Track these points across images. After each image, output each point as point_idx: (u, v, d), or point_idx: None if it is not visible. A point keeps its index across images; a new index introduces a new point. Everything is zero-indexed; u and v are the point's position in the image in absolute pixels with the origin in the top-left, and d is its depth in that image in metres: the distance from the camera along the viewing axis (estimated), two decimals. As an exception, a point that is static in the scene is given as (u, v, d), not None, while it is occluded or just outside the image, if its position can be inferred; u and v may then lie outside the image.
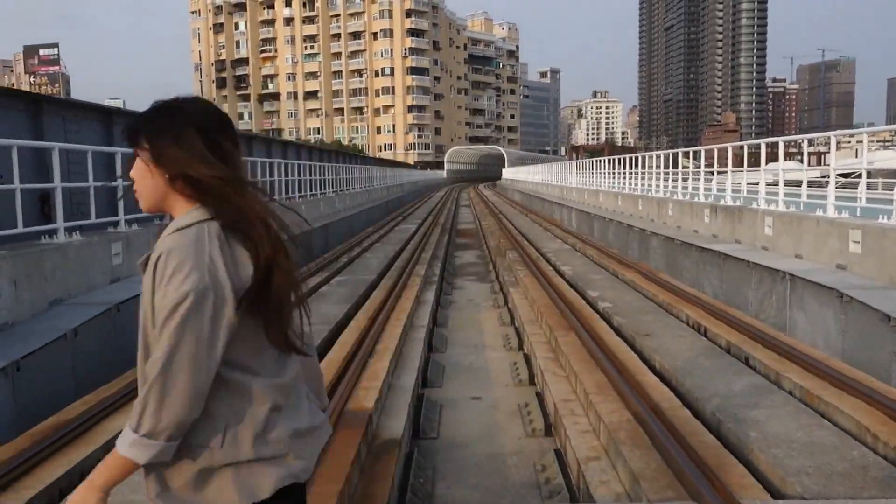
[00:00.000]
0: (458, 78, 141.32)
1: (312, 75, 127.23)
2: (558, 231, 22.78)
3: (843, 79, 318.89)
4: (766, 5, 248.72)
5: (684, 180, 17.61)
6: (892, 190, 9.66)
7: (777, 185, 12.41)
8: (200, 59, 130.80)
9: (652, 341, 7.34)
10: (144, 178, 1.60)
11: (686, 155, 19.68)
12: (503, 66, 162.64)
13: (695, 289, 11.46)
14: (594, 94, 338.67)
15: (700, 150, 18.30)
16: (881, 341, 6.98)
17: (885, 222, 8.25)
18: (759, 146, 13.06)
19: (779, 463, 4.23)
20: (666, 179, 18.60)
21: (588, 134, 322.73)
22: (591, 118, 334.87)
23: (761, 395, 5.52)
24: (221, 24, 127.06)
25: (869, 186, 11.66)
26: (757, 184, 12.86)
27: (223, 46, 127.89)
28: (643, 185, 21.20)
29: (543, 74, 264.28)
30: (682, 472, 4.10)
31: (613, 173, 25.00)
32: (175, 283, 1.46)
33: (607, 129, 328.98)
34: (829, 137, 11.41)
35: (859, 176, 10.52)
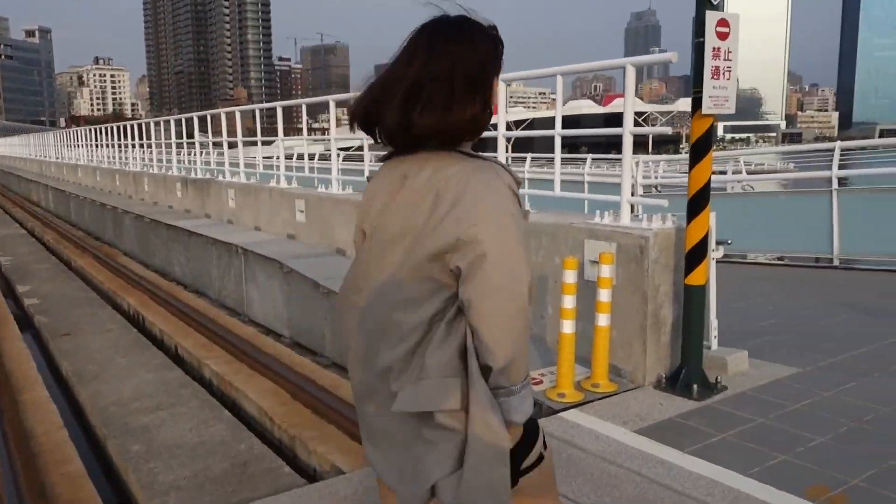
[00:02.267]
0: None
1: None
2: (20, 213, 19.45)
3: (339, 62, 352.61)
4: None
5: (164, 152, 16.46)
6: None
7: (292, 159, 12.23)
8: None
9: (70, 342, 6.20)
10: None
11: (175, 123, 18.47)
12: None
13: (168, 269, 10.59)
14: (97, 61, 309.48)
15: (192, 118, 17.32)
16: (315, 308, 7.07)
17: (322, 191, 8.50)
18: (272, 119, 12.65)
19: (154, 480, 3.59)
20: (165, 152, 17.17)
21: (93, 104, 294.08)
22: (96, 87, 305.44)
23: (173, 394, 4.89)
24: None
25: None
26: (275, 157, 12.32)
27: None
28: (122, 158, 19.35)
29: (30, 33, 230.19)
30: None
31: (97, 145, 22.41)
32: None
33: (115, 99, 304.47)
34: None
35: (359, 149, 10.62)
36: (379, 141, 1.50)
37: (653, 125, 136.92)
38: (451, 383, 1.37)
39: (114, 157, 19.44)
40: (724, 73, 4.10)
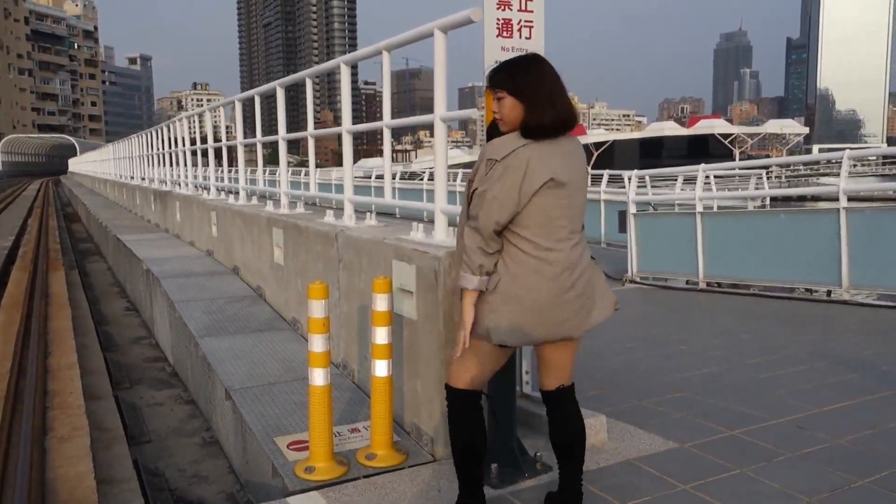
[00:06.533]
0: (20, 56, 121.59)
1: None
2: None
3: (423, 85, 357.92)
4: (355, 9, 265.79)
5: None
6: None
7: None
8: None
9: None
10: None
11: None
12: (79, 47, 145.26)
13: (125, 285, 9.98)
14: (194, 86, 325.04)
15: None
16: (179, 332, 6.11)
17: (232, 202, 7.56)
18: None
19: None
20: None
21: (191, 127, 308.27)
22: (194, 110, 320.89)
23: None
24: None
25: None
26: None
27: None
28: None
29: (133, 61, 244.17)
30: None
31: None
32: None
33: (212, 122, 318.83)
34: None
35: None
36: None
37: (740, 147, 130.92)
38: None
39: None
40: (520, 29, 2.91)
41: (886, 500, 2.82)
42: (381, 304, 3.28)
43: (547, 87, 2.35)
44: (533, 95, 2.33)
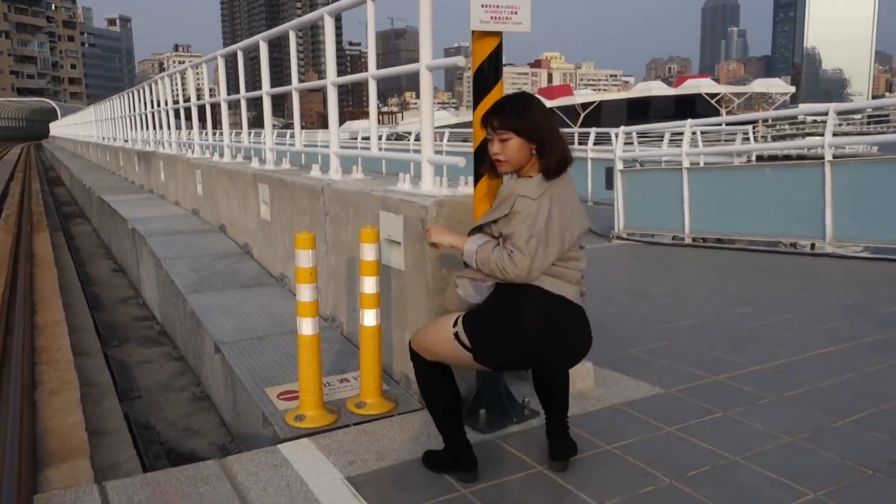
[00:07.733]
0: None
1: None
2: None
3: (409, 46, 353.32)
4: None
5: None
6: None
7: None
8: None
9: None
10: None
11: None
12: (56, 7, 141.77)
13: (111, 249, 9.90)
14: (176, 48, 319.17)
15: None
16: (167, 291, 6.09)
17: (217, 160, 7.47)
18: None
19: None
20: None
21: (173, 87, 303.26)
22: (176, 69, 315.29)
23: None
24: None
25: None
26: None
27: None
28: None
29: (112, 22, 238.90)
30: None
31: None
32: None
33: (195, 85, 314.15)
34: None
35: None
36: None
37: (727, 107, 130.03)
38: None
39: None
40: (506, -29, 2.85)
41: (865, 438, 2.89)
42: (368, 253, 3.28)
43: (551, 123, 2.38)
44: (542, 134, 2.33)
